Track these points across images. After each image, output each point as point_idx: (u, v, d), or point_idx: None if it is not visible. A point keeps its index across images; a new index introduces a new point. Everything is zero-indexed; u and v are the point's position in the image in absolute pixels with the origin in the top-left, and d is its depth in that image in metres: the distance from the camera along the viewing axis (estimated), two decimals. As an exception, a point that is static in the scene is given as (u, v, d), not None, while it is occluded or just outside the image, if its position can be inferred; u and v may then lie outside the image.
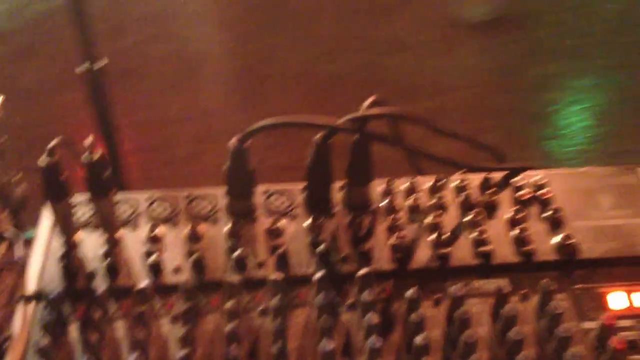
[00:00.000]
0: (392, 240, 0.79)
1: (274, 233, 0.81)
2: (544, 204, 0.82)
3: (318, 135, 0.80)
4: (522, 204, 0.82)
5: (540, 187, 0.84)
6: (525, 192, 0.83)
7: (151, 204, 0.86)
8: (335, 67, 3.12)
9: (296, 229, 0.82)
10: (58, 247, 0.81)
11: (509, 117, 2.78)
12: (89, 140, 0.78)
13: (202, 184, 0.92)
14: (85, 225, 0.83)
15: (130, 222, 0.84)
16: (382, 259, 0.79)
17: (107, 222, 0.82)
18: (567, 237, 0.78)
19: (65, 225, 0.81)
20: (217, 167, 2.90)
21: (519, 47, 3.16)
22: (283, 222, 0.83)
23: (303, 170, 0.83)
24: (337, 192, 0.85)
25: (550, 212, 0.81)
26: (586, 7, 3.29)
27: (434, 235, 0.79)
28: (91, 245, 0.82)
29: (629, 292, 0.75)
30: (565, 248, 0.78)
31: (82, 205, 0.85)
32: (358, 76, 3.07)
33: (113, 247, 0.81)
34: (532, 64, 3.05)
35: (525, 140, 2.72)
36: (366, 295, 0.72)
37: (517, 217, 0.80)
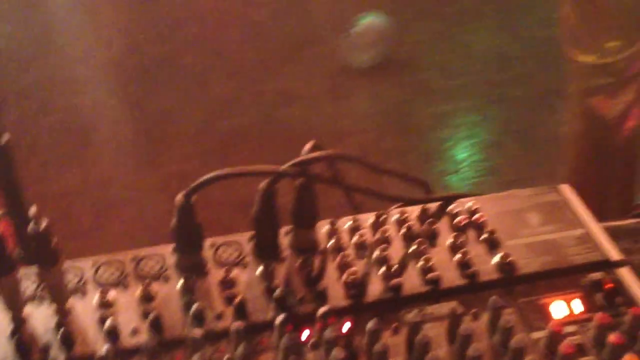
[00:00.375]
0: (344, 277, 0.82)
1: (228, 284, 0.83)
2: (480, 227, 0.87)
3: (263, 183, 0.82)
4: (460, 229, 0.87)
5: (474, 212, 0.89)
6: (461, 219, 0.88)
7: (97, 269, 0.85)
8: (231, 123, 3.15)
9: (249, 277, 0.84)
10: (7, 323, 0.79)
11: (405, 157, 2.89)
12: (33, 210, 0.77)
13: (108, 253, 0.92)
14: (32, 298, 0.82)
15: (78, 290, 0.83)
16: (338, 297, 0.81)
17: (56, 293, 0.81)
18: (505, 256, 0.84)
19: (13, 300, 0.79)
20: (122, 234, 2.82)
21: (408, 89, 3.31)
22: (235, 272, 0.84)
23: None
24: (284, 236, 0.87)
25: (486, 235, 0.86)
26: (466, 49, 3.49)
27: (383, 268, 0.83)
28: (42, 317, 0.80)
29: (568, 301, 0.80)
30: (505, 266, 0.83)
31: (27, 278, 0.83)
32: (255, 130, 3.12)
33: (65, 317, 0.80)
34: (422, 104, 3.20)
35: (423, 178, 2.83)
36: (329, 333, 0.74)
37: (457, 242, 0.85)
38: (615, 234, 0.90)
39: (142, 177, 2.91)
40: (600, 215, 0.94)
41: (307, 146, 0.83)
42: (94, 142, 3.17)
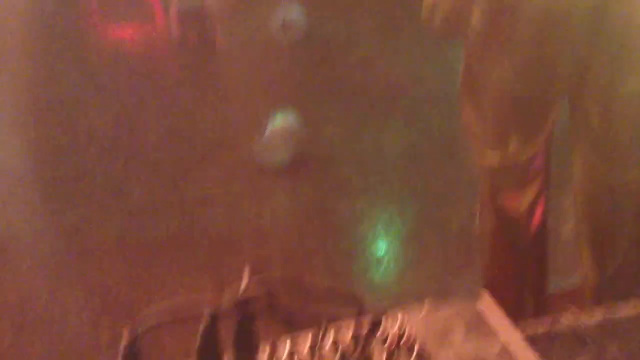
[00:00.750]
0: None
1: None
2: (409, 343, 0.93)
3: (203, 322, 0.85)
4: (391, 351, 0.92)
5: (403, 328, 0.94)
6: (391, 340, 0.93)
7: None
8: (152, 231, 3.14)
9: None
10: None
11: (327, 256, 2.94)
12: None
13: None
14: None
15: None
16: None
17: None
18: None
19: None
20: (44, 354, 2.73)
21: (325, 186, 3.39)
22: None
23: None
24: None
25: (416, 351, 0.91)
26: (379, 144, 3.61)
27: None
28: None
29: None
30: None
31: None
32: (176, 236, 3.11)
33: None
34: (340, 201, 3.28)
35: (347, 275, 2.87)
36: None
37: (390, 360, 0.90)
38: (532, 340, 0.97)
39: (62, 293, 2.84)
40: (516, 312, 1.01)
41: (245, 273, 0.87)
42: (9, 257, 3.10)
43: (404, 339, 0.94)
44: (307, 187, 3.42)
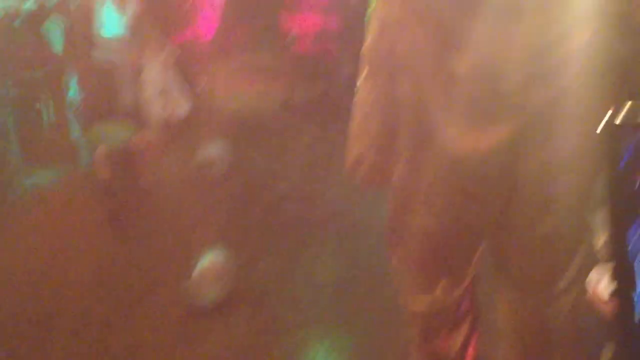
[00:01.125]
0: None
1: None
2: None
3: None
4: None
5: None
6: None
7: None
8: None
9: None
10: None
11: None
12: None
13: None
14: None
15: None
16: None
17: None
18: None
19: None
20: None
21: (259, 325, 3.31)
22: None
23: None
24: None
25: None
26: (310, 277, 3.59)
27: None
28: None
29: None
30: None
31: None
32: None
33: None
34: (274, 340, 3.21)
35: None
36: None
37: None
38: None
39: None
40: None
41: None
42: None
43: None
44: (241, 325, 3.35)
